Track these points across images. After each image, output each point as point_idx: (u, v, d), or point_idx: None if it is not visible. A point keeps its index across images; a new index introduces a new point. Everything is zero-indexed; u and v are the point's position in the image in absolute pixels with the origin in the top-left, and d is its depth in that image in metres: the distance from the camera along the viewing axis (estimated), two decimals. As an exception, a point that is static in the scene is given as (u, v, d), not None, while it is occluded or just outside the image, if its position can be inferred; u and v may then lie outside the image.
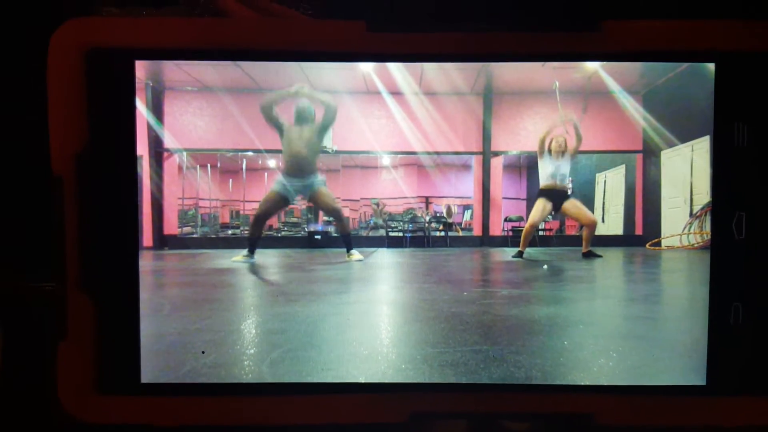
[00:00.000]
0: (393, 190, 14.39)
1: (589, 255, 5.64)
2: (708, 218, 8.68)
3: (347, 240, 5.49)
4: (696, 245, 8.78)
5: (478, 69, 9.49)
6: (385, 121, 10.35)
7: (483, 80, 10.29)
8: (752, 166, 1.00)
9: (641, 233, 10.72)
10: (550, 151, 6.14)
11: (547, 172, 6.09)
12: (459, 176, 14.36)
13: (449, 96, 10.44)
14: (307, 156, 5.45)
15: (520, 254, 5.85)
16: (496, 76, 10.09)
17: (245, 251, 5.35)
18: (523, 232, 6.13)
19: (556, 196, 6.05)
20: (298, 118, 5.45)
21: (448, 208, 13.67)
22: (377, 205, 13.60)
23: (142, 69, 9.21)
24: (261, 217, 5.65)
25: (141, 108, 9.82)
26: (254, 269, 4.80)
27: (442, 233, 11.58)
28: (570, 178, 6.18)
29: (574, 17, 1.03)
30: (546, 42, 0.98)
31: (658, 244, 9.34)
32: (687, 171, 9.21)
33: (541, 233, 11.51)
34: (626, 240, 10.46)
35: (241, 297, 2.91)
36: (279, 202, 5.53)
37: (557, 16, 1.12)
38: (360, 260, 5.11)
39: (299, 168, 5.42)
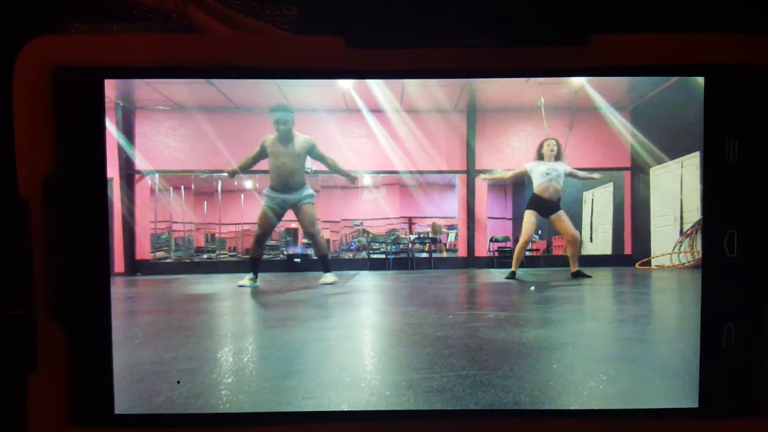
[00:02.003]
0: (375, 211, 14.40)
1: (578, 275, 5.65)
2: (699, 236, 8.76)
3: (324, 262, 5.49)
4: (687, 264, 8.84)
5: (462, 85, 9.56)
6: (366, 139, 10.37)
7: (466, 97, 10.34)
8: (743, 182, 1.00)
9: (630, 252, 10.77)
10: (542, 156, 6.16)
11: (539, 172, 6.08)
12: (443, 196, 14.40)
13: (432, 113, 10.48)
14: (292, 168, 5.47)
15: (513, 275, 5.86)
16: (480, 93, 10.15)
17: (250, 275, 5.31)
18: (516, 249, 6.14)
19: (546, 206, 6.08)
20: (279, 131, 5.47)
21: (434, 225, 13.70)
22: (361, 226, 13.59)
23: (111, 88, 9.13)
24: (260, 238, 5.64)
25: (111, 128, 9.74)
26: (231, 294, 4.77)
27: (426, 254, 11.60)
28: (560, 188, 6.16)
29: (562, 31, 1.03)
30: (533, 57, 0.99)
31: (648, 263, 9.39)
32: (677, 188, 9.27)
33: (527, 253, 11.56)
34: (615, 260, 10.50)
35: (217, 324, 2.89)
36: (272, 219, 5.52)
37: (544, 31, 1.13)
38: (331, 283, 5.09)
39: (284, 182, 5.44)
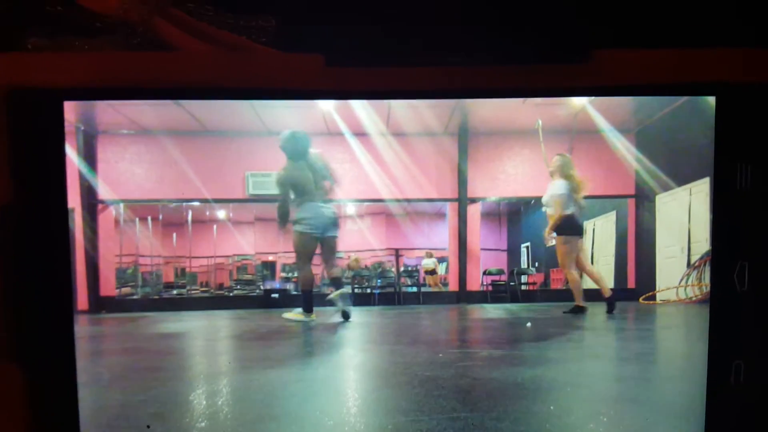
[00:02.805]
0: (359, 242, 14.36)
1: (574, 310, 5.69)
2: (707, 269, 8.77)
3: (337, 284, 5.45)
4: (694, 299, 8.88)
5: (452, 106, 9.60)
6: (349, 165, 10.38)
7: (458, 119, 10.39)
8: (756, 210, 0.98)
9: (634, 286, 10.81)
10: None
11: (562, 191, 6.01)
12: (432, 226, 14.42)
13: (420, 137, 10.50)
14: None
15: (579, 309, 5.79)
16: (472, 114, 10.20)
17: (298, 310, 5.26)
18: (572, 283, 5.99)
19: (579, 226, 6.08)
20: (292, 154, 5.54)
21: (429, 254, 13.69)
22: (356, 261, 13.54)
23: (71, 111, 9.15)
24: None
25: (71, 155, 9.76)
26: (203, 333, 4.74)
27: (414, 289, 11.58)
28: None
29: (562, 47, 1.02)
30: (530, 75, 0.98)
31: (653, 297, 9.42)
32: (684, 217, 9.33)
33: (524, 287, 11.57)
34: (617, 294, 10.41)
35: (188, 365, 2.87)
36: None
37: (542, 47, 1.11)
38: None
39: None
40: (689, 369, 2.38)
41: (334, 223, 5.45)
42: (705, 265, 8.57)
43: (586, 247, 6.25)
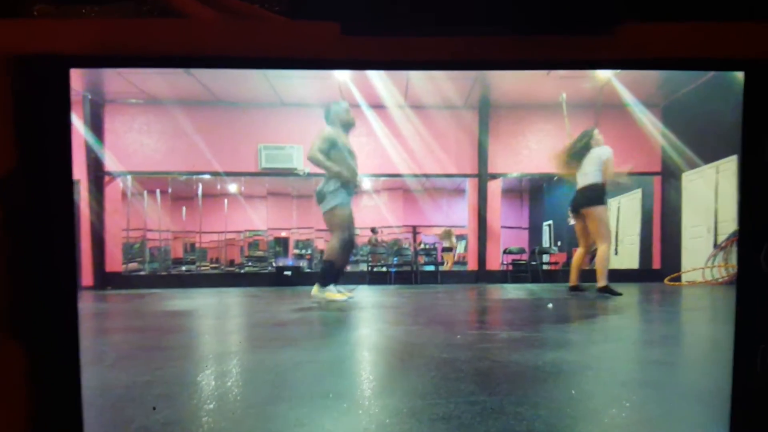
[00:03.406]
0: (375, 219, 14.31)
1: (605, 290, 5.60)
2: (734, 249, 8.71)
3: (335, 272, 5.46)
4: (721, 280, 8.83)
5: (473, 79, 9.54)
6: (366, 139, 10.35)
7: (479, 92, 10.35)
8: None
9: (659, 267, 10.76)
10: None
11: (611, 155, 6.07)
12: (451, 202, 14.38)
13: (439, 110, 10.46)
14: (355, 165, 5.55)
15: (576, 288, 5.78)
16: (493, 87, 10.13)
17: (337, 288, 5.25)
18: (603, 261, 5.95)
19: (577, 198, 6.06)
20: (346, 126, 5.58)
21: (446, 232, 13.67)
22: (373, 232, 13.53)
23: (78, 78, 9.15)
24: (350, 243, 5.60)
25: (77, 124, 9.80)
26: (213, 310, 4.77)
27: (431, 268, 11.58)
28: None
29: (585, 18, 1.00)
30: (553, 47, 0.97)
31: (678, 278, 9.36)
32: (711, 196, 9.30)
33: (545, 267, 11.54)
34: (642, 275, 10.45)
35: (197, 344, 2.89)
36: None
37: (566, 18, 1.10)
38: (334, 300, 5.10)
39: (355, 179, 5.48)
40: (714, 353, 2.37)
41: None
42: (732, 245, 8.53)
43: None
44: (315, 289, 5.19)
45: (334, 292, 5.20)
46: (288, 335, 2.98)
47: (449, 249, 13.33)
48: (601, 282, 5.70)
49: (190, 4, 1.05)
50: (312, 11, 1.05)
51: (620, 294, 5.53)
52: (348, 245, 5.39)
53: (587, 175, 6.00)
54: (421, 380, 1.81)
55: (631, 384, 1.79)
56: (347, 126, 5.59)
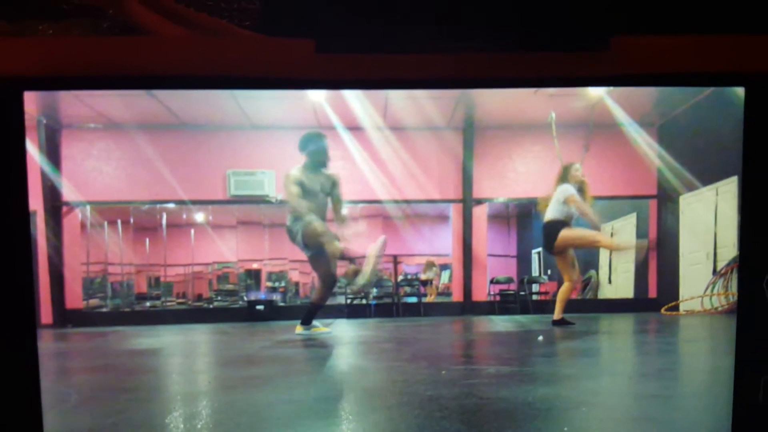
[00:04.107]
0: (353, 247, 14.06)
1: (559, 323, 5.79)
2: (735, 276, 8.75)
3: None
4: (720, 309, 8.85)
5: (457, 98, 9.53)
6: (342, 162, 10.30)
7: (462, 112, 10.34)
8: None
9: (655, 296, 10.79)
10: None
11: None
12: (434, 229, 14.33)
13: (421, 131, 10.46)
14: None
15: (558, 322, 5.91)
16: (478, 107, 10.13)
17: (312, 325, 5.45)
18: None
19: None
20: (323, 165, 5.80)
21: (428, 264, 13.64)
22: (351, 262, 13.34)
23: (32, 102, 9.09)
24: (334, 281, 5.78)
25: (32, 151, 9.66)
26: (180, 349, 4.74)
27: (414, 299, 11.53)
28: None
29: (578, 33, 1.01)
30: (542, 63, 0.97)
31: (676, 308, 9.39)
32: (710, 219, 9.31)
33: (535, 297, 11.53)
34: (638, 304, 10.45)
35: (164, 384, 2.87)
36: None
37: (556, 33, 1.10)
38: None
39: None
40: (714, 386, 2.39)
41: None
42: (732, 272, 8.57)
43: None
44: (299, 328, 5.33)
45: (318, 326, 5.36)
46: (261, 374, 2.97)
47: (427, 282, 13.29)
48: (557, 315, 5.96)
49: (153, 20, 1.04)
50: (285, 27, 1.05)
51: (573, 323, 5.78)
52: (333, 284, 5.54)
53: (549, 211, 6.31)
54: (404, 420, 1.81)
55: (627, 420, 1.79)
56: (323, 164, 5.71)
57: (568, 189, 6.15)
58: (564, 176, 6.25)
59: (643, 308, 9.95)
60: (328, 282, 5.60)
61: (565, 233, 6.11)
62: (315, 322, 5.39)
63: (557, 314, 5.94)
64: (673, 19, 1.16)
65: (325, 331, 5.32)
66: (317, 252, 5.48)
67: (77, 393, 2.54)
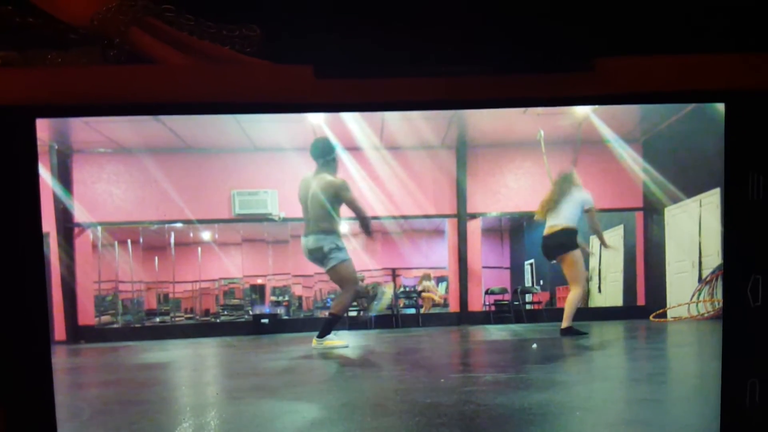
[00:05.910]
0: (355, 263, 14.04)
1: (569, 332, 5.56)
2: (720, 283, 8.73)
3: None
4: (707, 315, 8.85)
5: (449, 118, 9.57)
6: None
7: (455, 131, 10.40)
8: None
9: (644, 303, 10.78)
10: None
11: None
12: (431, 243, 14.34)
13: (416, 150, 10.49)
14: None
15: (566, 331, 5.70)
16: (470, 126, 10.17)
17: (329, 337, 5.28)
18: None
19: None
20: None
21: (423, 276, 13.61)
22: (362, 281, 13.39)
23: (44, 129, 9.09)
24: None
25: (45, 175, 9.68)
26: (189, 362, 4.72)
27: (413, 311, 11.50)
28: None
29: (563, 55, 1.01)
30: (530, 85, 0.97)
31: (664, 315, 9.41)
32: (695, 230, 9.31)
33: (528, 307, 11.52)
34: (627, 312, 10.45)
35: (174, 396, 2.86)
36: None
37: (543, 55, 1.10)
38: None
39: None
40: (702, 389, 2.38)
41: None
42: (717, 279, 8.56)
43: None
44: (314, 342, 5.17)
45: (333, 339, 5.19)
46: (267, 385, 2.96)
47: (420, 292, 13.26)
48: (566, 323, 5.65)
49: (158, 49, 1.04)
50: (285, 54, 1.05)
51: (586, 333, 5.51)
52: (356, 294, 5.50)
53: (563, 217, 6.01)
54: (404, 427, 1.80)
55: (620, 423, 1.79)
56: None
57: (591, 199, 6.04)
58: (570, 180, 6.13)
59: (632, 315, 9.92)
60: (355, 292, 5.54)
61: (578, 257, 5.97)
62: (332, 335, 5.21)
63: (566, 322, 5.61)
64: (655, 39, 1.16)
65: (342, 344, 5.13)
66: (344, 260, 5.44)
67: (90, 406, 2.53)
